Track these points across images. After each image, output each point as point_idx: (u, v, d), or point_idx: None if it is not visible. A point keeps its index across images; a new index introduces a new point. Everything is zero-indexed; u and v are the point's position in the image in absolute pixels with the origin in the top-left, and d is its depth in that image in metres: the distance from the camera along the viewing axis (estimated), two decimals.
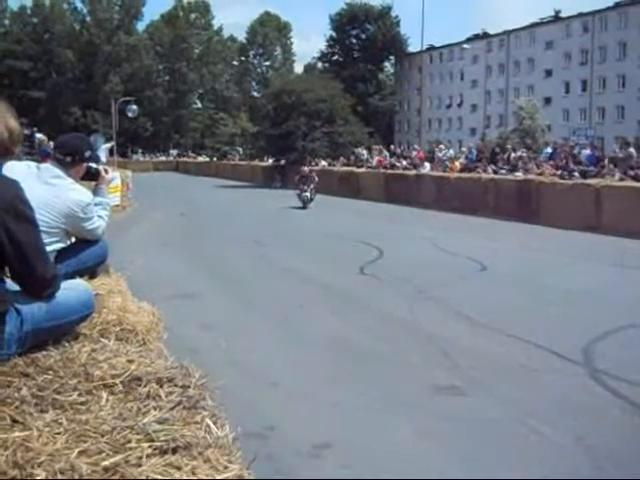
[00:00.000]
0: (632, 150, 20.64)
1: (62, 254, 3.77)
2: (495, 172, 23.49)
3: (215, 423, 1.81)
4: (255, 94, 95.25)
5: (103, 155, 27.27)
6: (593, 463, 4.53)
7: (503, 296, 9.79)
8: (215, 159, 63.94)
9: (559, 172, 20.43)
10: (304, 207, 24.49)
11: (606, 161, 20.92)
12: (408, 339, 7.45)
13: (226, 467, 1.57)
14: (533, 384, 6.08)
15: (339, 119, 43.11)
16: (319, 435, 4.86)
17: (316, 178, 26.06)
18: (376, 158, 32.12)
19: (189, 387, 2.10)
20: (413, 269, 11.75)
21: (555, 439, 4.87)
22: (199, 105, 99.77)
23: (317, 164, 38.01)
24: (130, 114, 42.90)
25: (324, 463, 4.52)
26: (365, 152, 34.83)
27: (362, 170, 31.53)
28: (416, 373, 6.34)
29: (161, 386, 2.13)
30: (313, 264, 12.39)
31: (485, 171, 23.79)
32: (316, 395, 5.70)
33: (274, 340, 7.47)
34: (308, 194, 25.01)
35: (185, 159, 74.41)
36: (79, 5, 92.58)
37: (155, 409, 1.92)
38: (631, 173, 18.47)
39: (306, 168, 27.62)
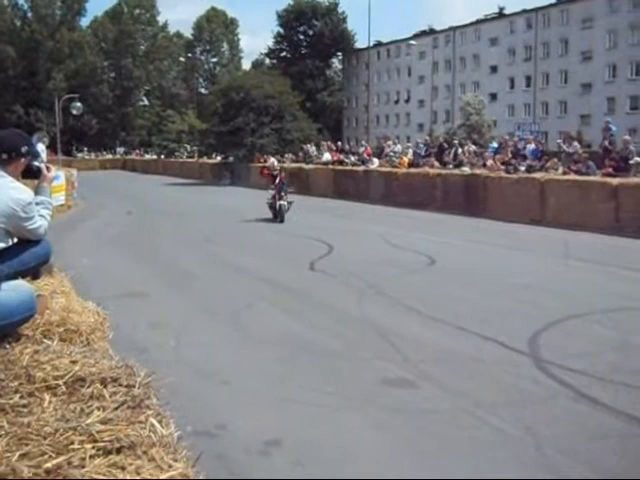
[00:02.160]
0: (576, 144, 21.11)
1: (3, 254, 3.67)
2: (443, 166, 23.75)
3: (160, 422, 1.79)
4: (203, 91, 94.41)
5: (44, 155, 26.74)
6: (540, 450, 4.62)
7: (451, 289, 9.91)
8: (163, 157, 63.18)
9: (504, 167, 20.76)
10: (280, 220, 18.30)
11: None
12: (358, 334, 7.49)
13: (170, 466, 1.56)
14: (481, 375, 6.17)
15: (288, 115, 43.03)
16: (270, 432, 4.85)
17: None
18: (327, 154, 32.12)
19: (134, 386, 2.08)
20: (363, 264, 11.81)
21: (503, 428, 4.95)
22: (146, 102, 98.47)
23: (266, 160, 37.90)
24: (74, 111, 42.16)
25: (275, 460, 4.51)
26: (314, 148, 34.82)
27: (311, 166, 31.55)
28: (367, 367, 6.37)
29: (105, 386, 2.09)
30: (263, 261, 12.35)
31: (432, 166, 24.03)
32: (266, 392, 5.68)
33: (224, 338, 7.43)
34: (284, 203, 18.57)
35: (132, 157, 73.28)
36: (20, 1, 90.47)
37: (99, 409, 1.89)
38: (574, 167, 18.87)
39: (274, 162, 21.40)
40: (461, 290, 9.84)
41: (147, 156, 71.42)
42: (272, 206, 18.71)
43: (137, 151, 77.91)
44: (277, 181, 18.69)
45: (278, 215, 18.33)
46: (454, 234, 16.17)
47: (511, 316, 8.23)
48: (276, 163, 21.10)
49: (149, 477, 1.50)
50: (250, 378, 6.06)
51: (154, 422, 1.78)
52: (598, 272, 11.32)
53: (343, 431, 4.94)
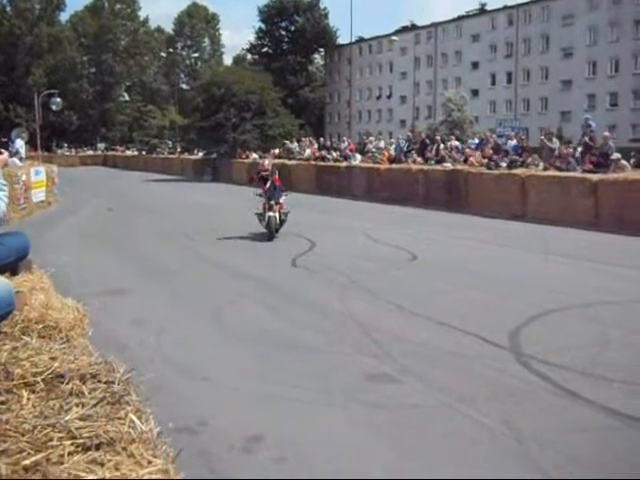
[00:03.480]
0: (556, 141, 21.25)
1: None
2: (425, 162, 23.82)
3: (139, 418, 1.78)
4: (184, 86, 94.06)
5: (23, 150, 26.51)
6: (521, 444, 4.65)
7: (433, 284, 9.95)
8: (144, 153, 62.83)
9: (486, 162, 20.86)
10: (269, 238, 14.46)
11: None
12: (340, 329, 7.50)
13: (150, 462, 1.55)
14: (463, 370, 6.21)
15: (269, 111, 42.95)
16: (252, 429, 4.84)
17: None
18: (307, 150, 32.11)
19: (113, 383, 2.06)
20: (345, 260, 11.83)
21: (485, 423, 4.98)
22: (127, 98, 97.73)
23: (248, 157, 37.83)
24: (54, 107, 41.86)
25: (257, 457, 4.51)
26: (296, 144, 34.77)
27: (293, 162, 31.52)
28: (349, 363, 6.39)
29: (84, 382, 2.08)
30: (244, 258, 12.33)
31: (415, 162, 24.09)
32: (248, 389, 5.68)
33: (205, 335, 7.41)
34: (275, 215, 14.64)
35: (113, 153, 72.83)
36: None
37: (78, 406, 1.87)
38: (555, 163, 19.00)
39: (266, 161, 16.77)
40: (442, 285, 9.89)
41: (128, 152, 70.93)
42: (262, 217, 14.84)
43: (118, 147, 77.44)
44: (268, 185, 14.85)
45: (267, 228, 14.48)
46: (436, 229, 16.23)
47: (492, 311, 8.28)
48: (267, 162, 16.14)
49: (128, 473, 1.49)
50: (232, 374, 6.05)
51: (134, 418, 1.77)
52: (578, 267, 11.41)
53: (326, 427, 4.95)
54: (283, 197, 15.05)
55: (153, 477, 1.47)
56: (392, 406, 5.36)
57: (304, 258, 12.06)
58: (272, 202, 14.55)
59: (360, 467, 4.34)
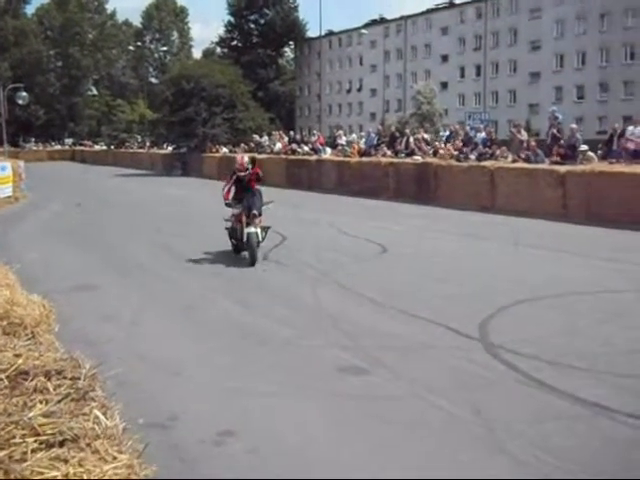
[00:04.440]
0: (524, 133, 21.43)
1: None
2: (395, 155, 23.89)
3: (105, 414, 1.76)
4: (153, 80, 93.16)
5: None
6: (491, 433, 4.70)
7: (403, 277, 9.99)
8: (113, 147, 62.21)
9: (456, 154, 20.99)
10: (251, 262, 10.82)
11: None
12: (311, 322, 7.50)
13: (115, 457, 1.54)
14: (433, 361, 6.25)
15: (239, 105, 42.76)
16: (223, 422, 4.83)
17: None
18: (278, 144, 32.03)
19: (79, 379, 2.04)
20: (316, 253, 11.83)
21: (455, 413, 5.02)
22: (94, 92, 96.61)
23: (218, 150, 37.64)
24: (20, 101, 41.24)
25: (228, 449, 4.50)
26: (266, 138, 34.65)
27: (264, 156, 31.40)
28: (320, 355, 6.39)
29: (49, 379, 2.05)
30: (215, 252, 12.26)
31: (385, 155, 24.15)
32: (219, 383, 5.66)
33: (177, 330, 7.37)
34: (255, 231, 10.90)
35: (81, 148, 71.96)
36: None
37: (42, 403, 1.85)
38: (523, 155, 19.17)
39: (245, 158, 12.02)
40: (413, 277, 9.94)
41: (97, 147, 70.20)
42: (234, 234, 11.36)
43: (87, 142, 76.53)
44: (234, 180, 11.40)
45: (247, 250, 10.90)
46: (406, 222, 16.30)
47: (462, 302, 8.34)
48: (246, 159, 11.71)
49: (92, 469, 1.48)
50: (203, 369, 6.03)
51: (98, 414, 1.75)
52: (546, 258, 11.53)
53: (297, 419, 4.95)
54: (267, 206, 11.57)
55: (118, 472, 1.46)
56: (363, 397, 5.37)
57: (275, 252, 12.04)
58: (253, 212, 10.88)
59: (331, 457, 4.35)
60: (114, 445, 1.61)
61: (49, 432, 1.64)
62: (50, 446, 1.59)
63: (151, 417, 4.85)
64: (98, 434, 1.64)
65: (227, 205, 11.41)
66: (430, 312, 7.75)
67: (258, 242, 10.91)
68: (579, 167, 17.05)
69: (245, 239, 10.80)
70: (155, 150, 50.05)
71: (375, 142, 26.24)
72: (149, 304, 8.56)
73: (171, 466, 4.09)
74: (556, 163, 17.89)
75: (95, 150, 67.35)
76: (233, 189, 11.37)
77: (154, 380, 5.72)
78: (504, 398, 5.37)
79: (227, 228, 11.67)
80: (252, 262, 10.74)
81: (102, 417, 1.74)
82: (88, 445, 1.58)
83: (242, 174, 11.27)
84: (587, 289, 9.03)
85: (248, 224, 10.83)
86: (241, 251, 11.37)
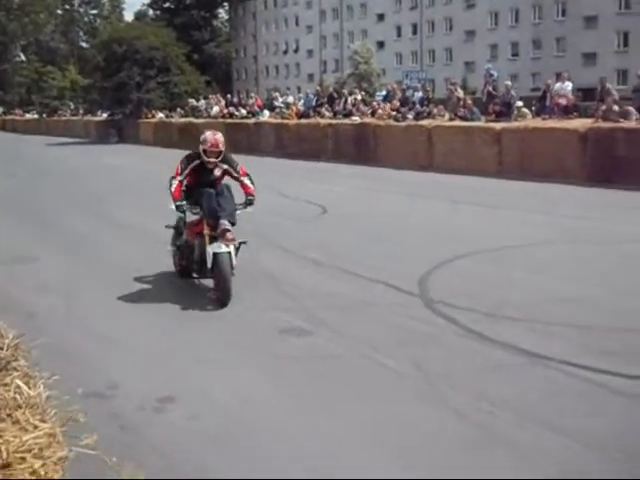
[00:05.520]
0: (460, 91, 21.57)
1: None
2: (333, 117, 23.81)
3: (27, 383, 1.71)
4: (84, 45, 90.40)
5: None
6: (432, 387, 4.78)
7: (343, 237, 10.03)
8: (45, 116, 60.36)
9: (394, 113, 21.02)
10: (222, 302, 6.82)
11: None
12: (252, 286, 7.46)
13: (36, 426, 1.50)
14: (374, 318, 6.31)
15: (174, 68, 41.84)
16: (162, 390, 4.80)
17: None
18: (215, 108, 31.53)
19: (1, 349, 1.97)
20: (256, 216, 11.66)
21: (397, 369, 5.09)
22: (23, 58, 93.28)
23: (154, 116, 36.91)
24: None
25: (168, 416, 4.48)
26: (203, 102, 34.06)
27: (201, 121, 30.92)
28: (261, 318, 6.38)
29: None
30: (156, 220, 12.04)
31: (323, 117, 24.05)
32: (158, 351, 5.59)
33: (116, 301, 7.23)
34: (229, 251, 6.95)
35: (12, 117, 69.56)
36: None
37: None
38: (459, 113, 19.32)
39: (218, 136, 7.31)
40: (353, 237, 9.98)
41: (28, 115, 67.93)
42: (185, 254, 7.64)
43: (17, 110, 73.98)
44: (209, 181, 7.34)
45: (213, 277, 7.12)
46: (345, 183, 16.32)
47: (402, 260, 8.42)
48: (219, 137, 7.31)
49: (12, 439, 1.43)
50: (141, 338, 5.95)
51: (20, 384, 1.70)
52: (483, 214, 11.74)
53: (238, 383, 4.94)
54: (242, 210, 7.61)
55: (38, 441, 1.42)
56: (305, 358, 5.40)
57: None
58: (222, 222, 7.00)
59: (274, 420, 4.37)
60: (36, 414, 1.57)
61: None
62: None
63: (90, 387, 4.79)
64: (20, 404, 1.60)
65: (177, 209, 7.15)
66: (371, 271, 7.82)
67: (231, 268, 6.91)
68: (514, 124, 17.29)
69: (209, 263, 6.88)
70: (89, 117, 48.68)
71: (313, 104, 26.09)
72: (89, 275, 8.37)
73: (112, 434, 4.04)
74: (492, 121, 18.11)
75: (26, 119, 65.11)
76: (185, 183, 7.29)
77: (93, 350, 5.64)
78: (444, 352, 5.48)
79: (174, 246, 7.92)
80: (224, 300, 6.79)
81: (24, 387, 1.69)
82: (8, 415, 1.53)
83: (212, 161, 7.22)
84: (521, 242, 9.25)
85: (213, 239, 6.95)
86: (194, 276, 7.62)
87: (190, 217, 7.26)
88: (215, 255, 6.84)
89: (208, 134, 7.33)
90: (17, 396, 1.64)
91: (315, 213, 12.05)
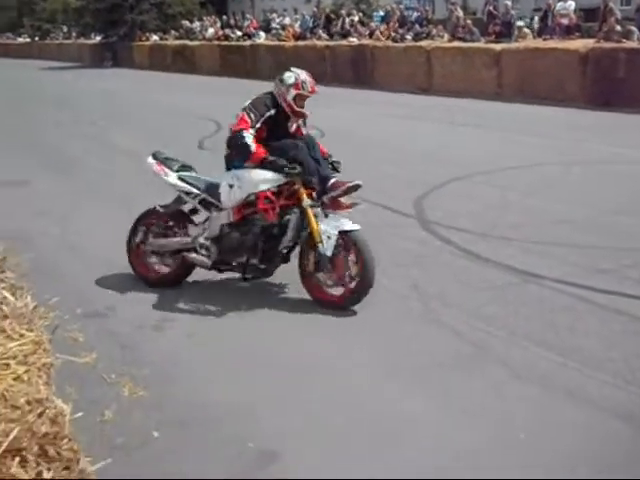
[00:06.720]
0: (460, 11, 21.06)
1: None
2: (330, 38, 23.33)
3: (14, 294, 1.72)
4: None
5: None
6: (427, 306, 4.85)
7: (341, 160, 9.93)
8: (37, 39, 59.14)
9: (393, 34, 20.60)
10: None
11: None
12: None
13: (22, 335, 1.51)
14: (371, 239, 6.30)
15: None
16: (161, 310, 4.88)
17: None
18: (210, 29, 30.82)
19: None
20: None
21: (393, 289, 5.15)
22: None
23: (148, 39, 36.13)
24: None
25: (167, 333, 4.56)
26: (197, 24, 33.26)
27: (196, 43, 30.30)
28: None
29: None
30: (152, 143, 11.91)
31: (320, 39, 23.56)
32: None
33: (112, 224, 7.18)
34: (329, 243, 4.81)
35: (3, 41, 68.20)
36: None
37: None
38: (458, 34, 18.92)
39: (309, 79, 5.44)
40: (350, 159, 9.66)
41: (19, 39, 66.55)
42: (235, 245, 5.07)
43: (8, 34, 72.40)
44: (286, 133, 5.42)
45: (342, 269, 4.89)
46: (343, 106, 16.09)
47: (399, 182, 8.41)
48: (309, 78, 5.45)
49: None
50: None
51: (6, 294, 1.71)
52: (481, 136, 11.66)
53: (238, 302, 4.99)
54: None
55: (23, 348, 1.44)
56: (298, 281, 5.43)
57: (211, 140, 11.87)
58: (334, 182, 5.32)
59: (266, 336, 4.46)
60: (23, 324, 1.58)
61: None
62: None
63: (89, 307, 4.85)
64: (6, 314, 1.61)
65: (268, 165, 5.05)
66: (368, 193, 7.77)
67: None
68: (514, 45, 16.97)
69: (328, 249, 4.82)
70: (82, 41, 47.66)
71: (310, 25, 25.53)
72: (85, 199, 8.32)
73: (111, 352, 4.13)
74: (492, 42, 17.75)
75: (18, 43, 63.83)
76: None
77: (90, 272, 5.67)
78: (439, 271, 5.54)
79: (206, 239, 5.21)
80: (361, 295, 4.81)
81: (10, 297, 1.70)
82: None
83: (301, 112, 5.53)
84: (519, 164, 9.24)
85: (328, 212, 5.07)
86: (247, 277, 5.21)
87: (276, 181, 4.98)
88: (347, 235, 4.82)
89: (301, 73, 5.42)
90: (4, 307, 1.65)
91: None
